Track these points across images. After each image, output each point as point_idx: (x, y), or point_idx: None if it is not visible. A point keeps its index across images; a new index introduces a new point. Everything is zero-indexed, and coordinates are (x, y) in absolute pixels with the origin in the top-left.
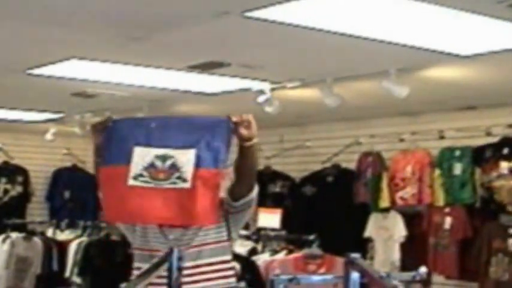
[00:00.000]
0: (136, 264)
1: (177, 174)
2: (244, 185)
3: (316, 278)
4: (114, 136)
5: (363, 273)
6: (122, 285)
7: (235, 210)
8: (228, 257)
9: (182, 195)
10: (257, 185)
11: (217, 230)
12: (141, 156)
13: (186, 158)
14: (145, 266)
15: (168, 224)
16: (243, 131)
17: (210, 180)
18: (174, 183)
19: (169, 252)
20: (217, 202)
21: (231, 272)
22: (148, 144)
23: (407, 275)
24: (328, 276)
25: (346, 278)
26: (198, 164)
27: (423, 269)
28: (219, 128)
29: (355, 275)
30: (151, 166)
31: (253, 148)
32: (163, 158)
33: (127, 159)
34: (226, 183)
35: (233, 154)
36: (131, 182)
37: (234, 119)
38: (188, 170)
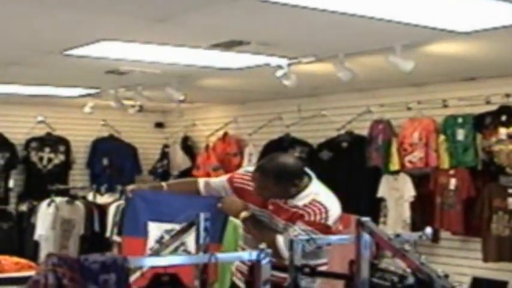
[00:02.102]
0: None
1: (182, 248)
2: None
3: (333, 238)
4: (133, 208)
5: (373, 234)
6: (154, 246)
7: None
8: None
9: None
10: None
11: None
12: (154, 230)
13: (190, 234)
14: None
15: None
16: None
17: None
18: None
19: (198, 215)
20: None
21: None
22: (159, 219)
23: (415, 235)
24: (344, 236)
25: (358, 239)
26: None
27: (429, 230)
28: (214, 207)
29: (366, 236)
30: (161, 239)
31: (247, 222)
32: (170, 233)
33: (145, 233)
34: None
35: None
36: (148, 253)
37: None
38: (191, 244)
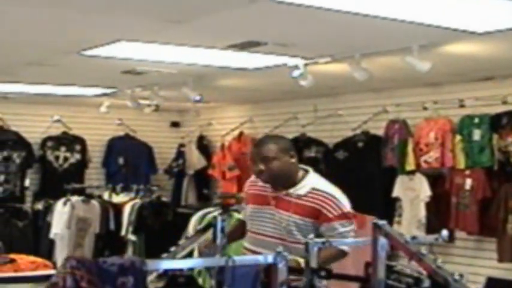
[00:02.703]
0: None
1: None
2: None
3: (348, 241)
4: None
5: (389, 237)
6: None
7: None
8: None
9: None
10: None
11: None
12: None
13: None
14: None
15: None
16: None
17: None
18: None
19: (215, 218)
20: None
21: None
22: None
23: (431, 238)
24: (360, 239)
25: (375, 242)
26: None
27: (445, 232)
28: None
29: (382, 240)
30: None
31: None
32: None
33: None
34: None
35: None
36: None
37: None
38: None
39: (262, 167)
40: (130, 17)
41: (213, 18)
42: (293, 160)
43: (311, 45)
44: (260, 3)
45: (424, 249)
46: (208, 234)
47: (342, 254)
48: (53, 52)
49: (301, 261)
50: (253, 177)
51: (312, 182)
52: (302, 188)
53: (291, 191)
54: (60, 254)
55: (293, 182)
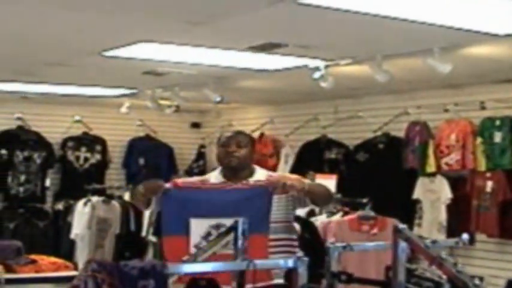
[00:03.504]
0: None
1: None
2: (320, 202)
3: (369, 244)
4: (170, 207)
5: (410, 242)
6: (192, 251)
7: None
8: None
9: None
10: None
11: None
12: (198, 227)
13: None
14: None
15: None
16: (289, 190)
17: (257, 242)
18: (230, 248)
19: (236, 221)
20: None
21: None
22: (202, 215)
23: (452, 241)
24: (380, 243)
25: (395, 246)
26: (247, 230)
27: (465, 236)
28: (261, 197)
29: (403, 243)
30: (208, 235)
31: (310, 192)
32: (217, 227)
33: (186, 231)
34: None
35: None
36: (193, 250)
37: (270, 189)
38: (239, 236)
39: (235, 149)
40: (153, 18)
41: (234, 19)
42: (253, 155)
43: (332, 47)
44: (282, 4)
45: (444, 253)
46: (230, 237)
47: (330, 196)
48: (74, 53)
49: None
50: (201, 177)
51: (265, 172)
52: (259, 176)
53: (250, 179)
54: (81, 254)
55: (249, 172)
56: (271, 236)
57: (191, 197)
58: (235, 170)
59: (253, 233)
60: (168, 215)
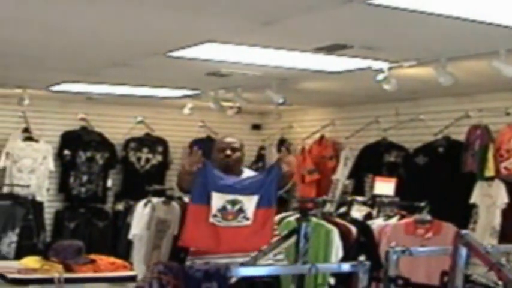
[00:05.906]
0: None
1: (242, 215)
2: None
3: (425, 249)
4: (200, 180)
5: (470, 247)
6: (252, 254)
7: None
8: None
9: (245, 230)
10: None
11: None
12: (217, 200)
13: (250, 203)
14: None
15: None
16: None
17: (265, 216)
18: (240, 221)
19: (300, 226)
20: (271, 230)
21: None
22: (221, 191)
23: (511, 247)
24: (436, 248)
25: (455, 251)
26: (258, 205)
27: None
28: (273, 175)
29: (463, 250)
30: (223, 209)
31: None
32: (233, 203)
33: (208, 201)
34: None
35: None
36: (211, 219)
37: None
38: (250, 211)
39: (230, 153)
40: (220, 18)
41: (303, 19)
42: (244, 157)
43: (397, 48)
44: (351, 5)
45: (503, 259)
46: (292, 240)
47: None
48: (140, 53)
49: None
50: None
51: (251, 171)
52: (247, 174)
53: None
54: (137, 254)
55: (239, 171)
56: None
57: (217, 173)
58: (230, 169)
59: (264, 207)
60: (198, 185)
